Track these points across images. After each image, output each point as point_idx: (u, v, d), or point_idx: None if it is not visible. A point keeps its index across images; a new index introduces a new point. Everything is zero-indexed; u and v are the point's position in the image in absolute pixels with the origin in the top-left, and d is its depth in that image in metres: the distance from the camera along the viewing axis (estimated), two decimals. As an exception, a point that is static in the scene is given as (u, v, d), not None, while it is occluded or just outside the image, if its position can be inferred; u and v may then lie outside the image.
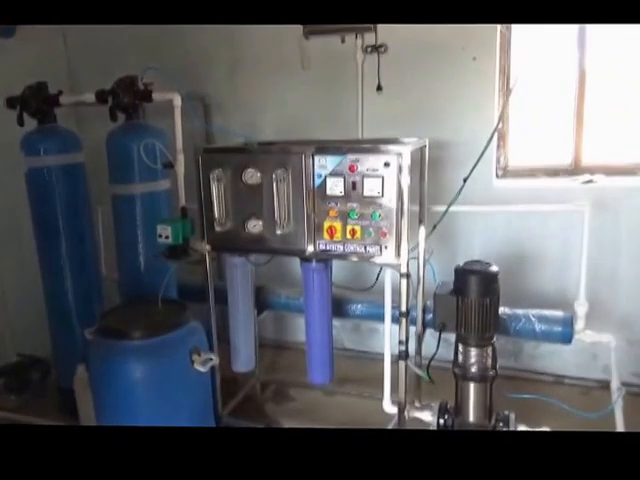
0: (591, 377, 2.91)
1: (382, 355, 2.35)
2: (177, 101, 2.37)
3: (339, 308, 2.62)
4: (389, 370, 2.29)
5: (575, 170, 2.87)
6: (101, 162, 2.63)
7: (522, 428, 2.10)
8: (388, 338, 2.26)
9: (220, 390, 2.53)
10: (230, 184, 2.19)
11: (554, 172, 2.92)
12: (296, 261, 2.58)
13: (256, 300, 2.72)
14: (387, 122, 2.94)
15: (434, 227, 2.35)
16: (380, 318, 2.35)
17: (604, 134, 2.83)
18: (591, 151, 2.86)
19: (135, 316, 2.33)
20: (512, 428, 2.06)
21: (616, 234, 2.72)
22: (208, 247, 2.33)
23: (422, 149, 2.24)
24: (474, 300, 1.98)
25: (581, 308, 2.38)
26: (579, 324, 2.38)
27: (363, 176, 1.97)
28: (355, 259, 2.09)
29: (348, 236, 2.04)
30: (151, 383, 2.13)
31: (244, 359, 2.57)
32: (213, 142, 3.19)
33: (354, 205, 2.01)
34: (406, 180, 1.92)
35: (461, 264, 2.07)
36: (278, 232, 2.13)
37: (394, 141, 2.07)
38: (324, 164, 2.02)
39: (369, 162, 1.95)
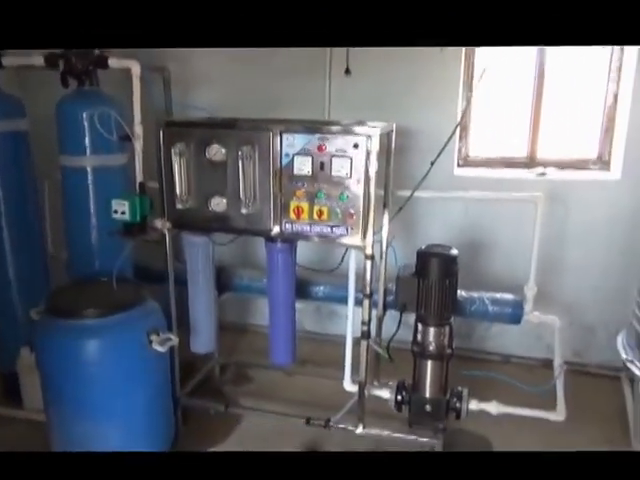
0: (535, 356, 3.10)
1: (341, 338, 2.39)
2: (136, 69, 2.24)
3: (302, 290, 2.62)
4: (350, 349, 2.33)
5: (530, 163, 3.02)
6: (50, 132, 2.45)
7: (474, 402, 2.22)
8: (351, 317, 2.29)
9: (179, 372, 2.48)
10: (193, 160, 2.12)
11: (510, 164, 3.05)
12: (257, 241, 2.56)
13: (217, 281, 2.67)
14: (354, 107, 2.93)
15: (400, 209, 2.39)
16: (342, 300, 2.37)
17: (558, 130, 2.97)
18: (545, 145, 3.00)
19: (87, 295, 2.23)
20: (465, 403, 2.18)
21: (564, 224, 2.89)
22: (168, 225, 2.25)
23: (389, 134, 2.26)
24: (435, 282, 2.05)
25: (530, 292, 2.52)
26: (528, 306, 2.51)
27: (331, 157, 1.96)
28: (322, 240, 2.09)
29: (315, 217, 2.04)
30: (106, 364, 2.06)
31: (204, 340, 2.52)
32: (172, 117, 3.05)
33: (322, 186, 2.00)
34: (374, 162, 1.93)
35: (423, 247, 2.13)
36: (243, 211, 2.09)
37: (362, 123, 2.07)
38: (292, 143, 1.99)
39: (338, 143, 1.94)
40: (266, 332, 2.48)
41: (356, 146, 1.92)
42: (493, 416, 2.27)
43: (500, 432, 2.44)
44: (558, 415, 2.24)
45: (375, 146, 1.91)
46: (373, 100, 2.92)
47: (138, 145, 2.32)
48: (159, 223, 2.25)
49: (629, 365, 2.27)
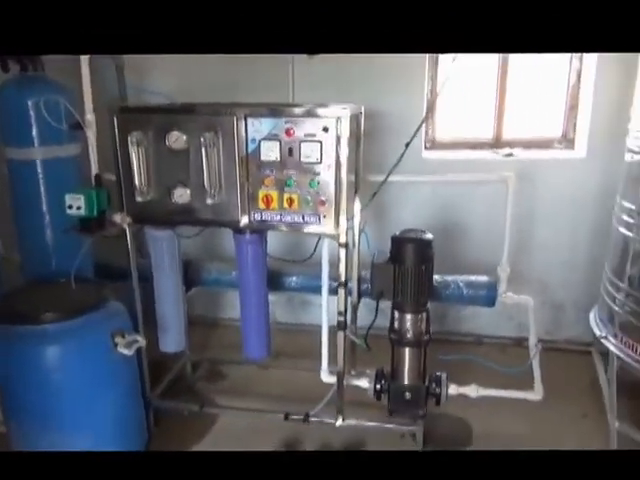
0: (507, 335, 3.14)
1: (315, 327, 2.33)
2: (84, 53, 2.07)
3: (274, 281, 2.53)
4: (327, 340, 2.28)
5: (496, 144, 3.02)
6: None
7: (453, 387, 2.21)
8: (326, 308, 2.23)
9: (148, 372, 2.37)
10: (152, 148, 1.98)
11: (477, 145, 3.04)
12: (225, 232, 2.45)
13: (184, 276, 2.55)
14: (319, 89, 2.84)
15: (374, 194, 2.33)
16: (316, 290, 2.31)
17: (523, 110, 2.97)
18: (511, 126, 3.00)
19: (44, 298, 2.09)
20: (444, 388, 2.16)
21: (532, 204, 2.91)
22: (129, 219, 2.11)
23: (357, 116, 2.19)
24: (411, 267, 2.00)
25: (503, 273, 2.53)
26: (501, 287, 2.52)
27: (300, 141, 1.87)
28: (293, 230, 2.00)
29: (285, 205, 1.95)
30: (69, 371, 1.94)
31: (173, 338, 2.41)
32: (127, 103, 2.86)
33: (291, 172, 1.91)
34: (345, 146, 1.85)
35: (397, 233, 2.08)
36: (208, 202, 1.98)
37: (330, 106, 1.98)
38: (258, 127, 1.88)
39: (307, 126, 1.85)
40: (238, 325, 2.40)
41: (326, 129, 1.83)
42: (471, 398, 2.27)
43: (479, 414, 2.45)
44: (536, 394, 2.26)
45: (346, 129, 1.83)
46: (338, 82, 2.84)
47: (91, 134, 2.17)
48: (118, 217, 2.11)
49: (603, 341, 2.31)
